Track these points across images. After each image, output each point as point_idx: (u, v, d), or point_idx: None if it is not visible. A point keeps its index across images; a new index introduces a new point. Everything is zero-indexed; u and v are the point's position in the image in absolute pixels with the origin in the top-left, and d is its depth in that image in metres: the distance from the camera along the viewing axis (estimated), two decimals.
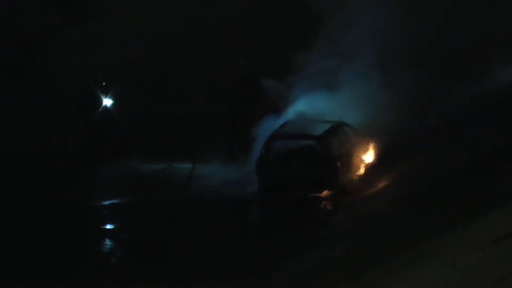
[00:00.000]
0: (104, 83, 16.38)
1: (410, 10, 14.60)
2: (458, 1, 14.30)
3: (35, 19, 22.26)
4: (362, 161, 13.95)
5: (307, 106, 14.35)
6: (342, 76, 14.48)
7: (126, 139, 16.30)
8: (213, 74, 17.15)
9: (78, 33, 22.25)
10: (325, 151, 13.37)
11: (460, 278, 6.26)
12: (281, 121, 14.35)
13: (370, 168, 13.85)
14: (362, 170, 13.87)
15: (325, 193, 13.30)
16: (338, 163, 13.33)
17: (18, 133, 17.41)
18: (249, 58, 16.47)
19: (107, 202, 14.04)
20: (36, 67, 21.00)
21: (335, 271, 8.90)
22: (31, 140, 17.03)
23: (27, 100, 19.43)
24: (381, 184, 12.82)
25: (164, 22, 22.04)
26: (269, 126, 14.42)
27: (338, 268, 8.98)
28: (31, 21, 22.19)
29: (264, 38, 19.19)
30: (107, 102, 16.17)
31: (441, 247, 7.36)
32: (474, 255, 6.57)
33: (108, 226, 13.09)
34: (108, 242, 12.23)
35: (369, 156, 13.99)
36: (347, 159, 13.60)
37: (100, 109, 16.10)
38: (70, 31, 22.26)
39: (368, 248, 9.11)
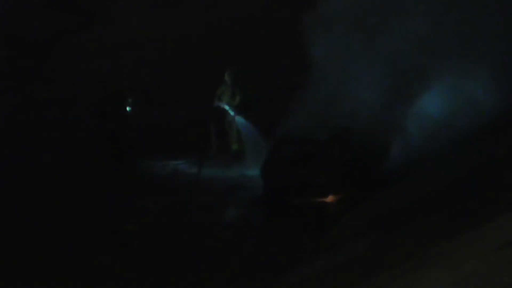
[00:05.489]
0: (125, 89, 16.29)
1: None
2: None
3: (41, 24, 22.36)
4: (366, 166, 13.92)
5: (311, 112, 14.35)
6: (346, 81, 14.47)
7: (133, 144, 16.31)
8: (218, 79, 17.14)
9: (84, 38, 22.34)
10: (329, 156, 13.37)
11: (464, 285, 6.25)
12: (285, 126, 14.37)
13: (375, 173, 13.84)
14: (366, 175, 13.85)
15: (330, 198, 13.31)
16: (343, 168, 13.33)
17: (23, 137, 17.48)
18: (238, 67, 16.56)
19: (113, 207, 14.03)
20: (42, 72, 21.09)
21: (340, 277, 8.87)
22: (36, 144, 17.09)
23: (32, 103, 19.52)
24: (386, 190, 12.80)
25: (169, 26, 22.13)
26: (273, 131, 14.45)
27: (343, 274, 8.95)
28: (37, 26, 22.28)
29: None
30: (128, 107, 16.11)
31: (445, 255, 7.34)
32: (478, 262, 6.54)
33: (113, 231, 13.05)
34: (114, 246, 12.21)
35: (373, 161, 13.96)
36: (352, 164, 13.58)
37: (124, 115, 16.02)
38: (76, 36, 22.36)
39: (372, 254, 9.09)
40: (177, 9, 22.65)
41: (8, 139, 17.21)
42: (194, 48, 21.37)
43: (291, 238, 11.70)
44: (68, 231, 12.33)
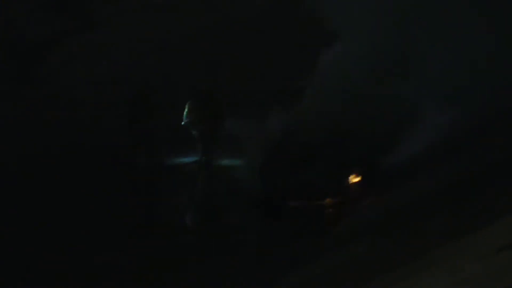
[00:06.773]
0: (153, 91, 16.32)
1: None
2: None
3: (40, 26, 22.33)
4: (365, 169, 13.94)
5: (310, 114, 14.36)
6: (345, 82, 14.46)
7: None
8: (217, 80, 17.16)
9: (84, 40, 22.31)
10: (328, 159, 13.39)
11: (464, 287, 6.28)
12: (284, 129, 14.36)
13: (374, 176, 13.85)
14: (366, 178, 13.87)
15: (328, 201, 13.33)
16: (342, 171, 13.35)
17: (23, 138, 17.46)
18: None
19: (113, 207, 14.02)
20: (42, 73, 21.07)
21: (340, 279, 8.89)
22: (35, 145, 17.07)
23: (32, 105, 19.49)
24: (386, 192, 12.82)
25: (169, 29, 22.08)
26: (271, 134, 14.45)
27: (342, 276, 8.97)
28: (37, 28, 22.26)
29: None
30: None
31: (445, 257, 7.36)
32: (478, 265, 6.56)
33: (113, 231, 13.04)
34: (114, 246, 12.20)
35: (373, 164, 13.98)
36: (350, 167, 13.61)
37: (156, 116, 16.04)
38: (74, 39, 22.33)
39: (371, 257, 9.11)
40: (177, 10, 22.61)
41: (8, 140, 17.19)
42: (194, 49, 21.34)
43: (291, 240, 11.71)
44: (68, 231, 12.32)
